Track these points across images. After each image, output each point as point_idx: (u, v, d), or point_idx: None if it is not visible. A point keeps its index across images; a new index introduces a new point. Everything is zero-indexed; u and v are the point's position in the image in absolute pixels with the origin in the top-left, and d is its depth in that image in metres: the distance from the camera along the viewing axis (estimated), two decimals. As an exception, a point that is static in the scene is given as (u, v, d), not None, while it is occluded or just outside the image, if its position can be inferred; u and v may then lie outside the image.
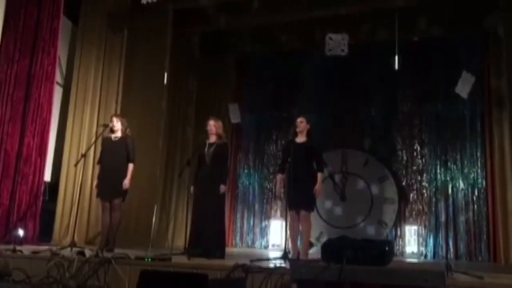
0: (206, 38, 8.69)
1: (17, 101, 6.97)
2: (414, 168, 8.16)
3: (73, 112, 7.42)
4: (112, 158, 5.92)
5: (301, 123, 5.56)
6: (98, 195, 5.99)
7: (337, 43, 5.89)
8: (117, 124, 6.01)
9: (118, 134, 6.01)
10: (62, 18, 7.37)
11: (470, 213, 7.63)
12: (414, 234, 7.80)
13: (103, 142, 6.14)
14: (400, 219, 8.04)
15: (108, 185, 5.85)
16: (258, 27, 8.34)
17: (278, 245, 8.23)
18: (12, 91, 6.98)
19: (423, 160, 8.14)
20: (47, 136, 7.01)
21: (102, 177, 5.94)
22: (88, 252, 4.77)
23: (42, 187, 6.89)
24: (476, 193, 7.69)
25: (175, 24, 7.73)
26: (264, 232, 8.83)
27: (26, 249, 5.19)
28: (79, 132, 7.35)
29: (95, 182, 6.11)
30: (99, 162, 6.11)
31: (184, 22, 8.03)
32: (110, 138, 6.03)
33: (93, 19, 7.70)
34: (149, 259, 4.50)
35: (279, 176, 5.68)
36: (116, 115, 6.35)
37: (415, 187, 8.10)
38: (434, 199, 7.93)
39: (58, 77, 7.50)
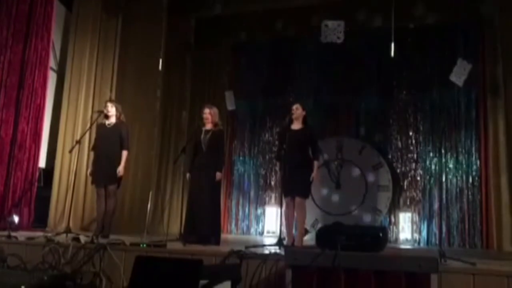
0: (201, 24, 8.62)
1: (10, 87, 6.91)
2: (409, 155, 8.19)
3: (68, 98, 7.38)
4: (106, 144, 5.89)
5: (297, 110, 5.55)
6: (93, 182, 5.98)
7: (333, 30, 5.85)
8: (112, 110, 5.96)
9: (112, 120, 5.98)
10: (56, 3, 7.30)
11: (464, 201, 7.68)
12: (408, 221, 7.86)
13: (97, 129, 6.11)
14: (395, 206, 8.08)
15: (103, 172, 5.83)
16: (254, 14, 8.28)
17: (273, 232, 8.27)
18: (6, 77, 6.92)
19: (418, 148, 8.16)
20: (41, 122, 6.98)
21: (97, 164, 5.92)
22: (83, 238, 4.78)
23: (37, 174, 6.88)
24: (470, 180, 7.73)
25: (170, 10, 7.66)
26: (259, 218, 8.86)
27: (21, 235, 5.19)
28: (73, 118, 7.31)
29: (89, 169, 6.09)
30: (93, 149, 6.09)
31: (179, 8, 7.95)
32: (104, 124, 5.99)
33: (87, 5, 7.61)
34: (144, 245, 4.51)
35: (280, 164, 5.69)
36: (110, 100, 6.31)
37: (409, 175, 8.14)
38: (428, 187, 7.98)
39: (52, 63, 7.45)
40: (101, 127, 6.02)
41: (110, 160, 5.84)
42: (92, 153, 6.20)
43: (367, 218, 7.93)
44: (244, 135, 9.26)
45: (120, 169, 5.83)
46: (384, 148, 8.31)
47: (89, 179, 6.37)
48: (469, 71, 5.29)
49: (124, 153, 5.90)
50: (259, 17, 8.35)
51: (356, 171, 8.23)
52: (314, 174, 5.39)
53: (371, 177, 8.13)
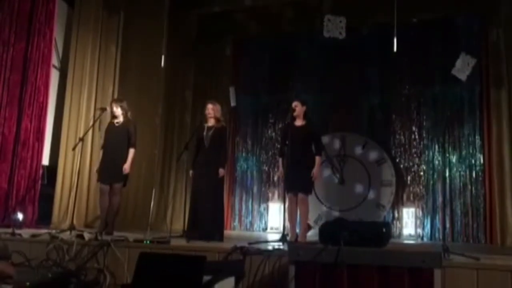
0: (203, 20, 8.61)
1: (13, 85, 6.93)
2: (412, 150, 8.17)
3: (70, 95, 7.39)
4: (114, 143, 5.94)
5: (297, 107, 5.56)
6: (98, 179, 6.00)
7: (335, 26, 5.83)
8: (117, 110, 6.02)
9: (120, 119, 6.03)
10: (58, 1, 7.30)
11: (468, 196, 7.66)
12: (412, 216, 7.84)
13: (106, 128, 6.16)
14: (398, 202, 8.07)
15: (109, 169, 5.87)
16: (256, 9, 8.27)
17: (276, 228, 8.28)
18: (9, 74, 6.94)
19: (421, 143, 8.14)
20: (44, 119, 6.99)
21: (104, 161, 5.96)
22: (87, 235, 4.80)
23: (40, 171, 6.90)
24: (473, 175, 7.71)
25: (171, 6, 7.65)
26: (262, 215, 8.86)
27: (25, 232, 5.21)
28: (76, 115, 7.32)
29: (96, 167, 6.12)
30: (102, 147, 6.14)
31: (181, 4, 7.95)
32: (113, 123, 6.06)
33: (89, 2, 7.61)
34: (148, 242, 4.52)
35: (281, 160, 5.70)
36: (114, 100, 6.31)
37: (412, 170, 8.12)
38: (431, 182, 7.95)
39: (55, 60, 7.46)
40: (110, 126, 6.08)
41: (116, 158, 5.87)
42: (96, 150, 6.23)
43: (370, 214, 7.91)
44: (247, 131, 9.24)
45: (126, 167, 5.86)
46: (387, 144, 8.29)
47: (93, 176, 6.40)
48: (473, 66, 5.25)
49: (131, 151, 5.93)
50: (261, 12, 8.34)
51: (359, 167, 8.22)
52: (315, 170, 5.39)
53: (374, 173, 8.11)
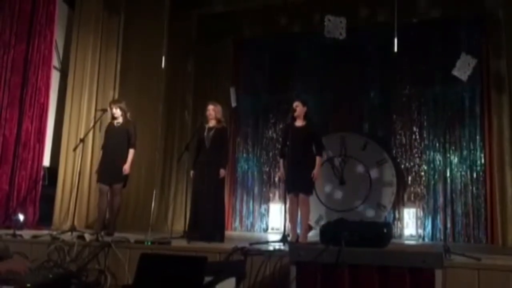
0: (203, 20, 8.61)
1: (14, 86, 6.94)
2: (413, 151, 8.17)
3: (71, 97, 7.40)
4: (114, 144, 5.97)
5: (297, 107, 5.56)
6: (98, 180, 6.01)
7: (335, 26, 5.83)
8: (117, 111, 6.06)
9: (120, 120, 6.07)
10: (58, 2, 7.31)
11: (469, 196, 7.65)
12: (413, 217, 7.83)
13: (106, 129, 6.19)
14: (399, 202, 8.06)
15: (109, 170, 5.88)
16: (256, 9, 8.27)
17: (277, 229, 8.27)
18: (9, 76, 6.96)
19: (422, 143, 8.13)
20: (45, 121, 7.00)
21: (104, 162, 5.98)
22: (88, 236, 4.80)
23: (41, 172, 6.91)
24: (474, 175, 7.70)
25: (171, 7, 7.66)
26: (263, 215, 8.86)
27: (26, 233, 5.22)
28: (77, 116, 7.33)
29: (96, 168, 6.14)
30: (102, 148, 6.16)
31: (181, 5, 7.95)
32: (113, 124, 6.10)
33: (89, 3, 7.62)
34: (149, 243, 4.53)
35: (281, 161, 5.70)
36: (113, 102, 6.33)
37: (413, 170, 8.11)
38: (432, 182, 7.95)
39: (55, 61, 7.47)
40: (110, 127, 6.11)
41: (116, 158, 5.89)
42: (97, 151, 6.25)
43: (371, 214, 7.91)
44: (248, 132, 9.24)
45: (126, 167, 5.87)
46: (387, 144, 8.28)
47: (93, 177, 6.40)
48: (474, 66, 5.26)
49: (131, 152, 5.95)
50: (262, 12, 8.34)
51: (360, 167, 8.21)
52: (315, 171, 5.39)
53: (375, 173, 8.11)
